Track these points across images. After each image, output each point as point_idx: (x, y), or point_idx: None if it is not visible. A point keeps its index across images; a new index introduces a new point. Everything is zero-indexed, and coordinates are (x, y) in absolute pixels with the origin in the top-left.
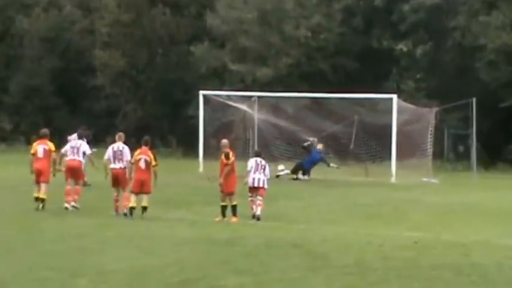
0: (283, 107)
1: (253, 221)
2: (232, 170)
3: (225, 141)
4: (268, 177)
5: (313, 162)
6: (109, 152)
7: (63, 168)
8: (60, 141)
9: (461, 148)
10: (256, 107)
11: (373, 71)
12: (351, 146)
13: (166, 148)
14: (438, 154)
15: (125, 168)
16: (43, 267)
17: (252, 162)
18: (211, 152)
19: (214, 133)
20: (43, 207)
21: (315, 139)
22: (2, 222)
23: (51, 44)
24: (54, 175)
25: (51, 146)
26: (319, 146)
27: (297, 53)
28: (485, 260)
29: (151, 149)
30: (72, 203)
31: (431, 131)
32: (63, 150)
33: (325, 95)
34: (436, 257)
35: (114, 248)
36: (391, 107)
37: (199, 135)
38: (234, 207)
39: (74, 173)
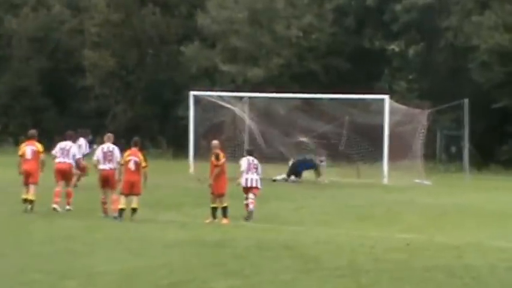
0: (274, 108)
1: (245, 222)
2: (222, 172)
3: (215, 142)
4: (261, 176)
5: (307, 168)
6: (98, 153)
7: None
8: (49, 142)
9: (453, 149)
10: (247, 107)
11: (365, 71)
12: (341, 147)
13: (156, 149)
14: (431, 155)
15: (114, 169)
16: (32, 269)
17: (244, 161)
18: (202, 153)
19: (205, 134)
20: (31, 208)
21: (306, 139)
22: None
23: (40, 44)
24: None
25: (39, 147)
26: (322, 158)
27: (288, 53)
28: (478, 262)
29: (141, 150)
30: (67, 206)
31: (423, 132)
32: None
33: (316, 95)
34: (429, 259)
35: (104, 250)
36: (383, 107)
37: (190, 136)
38: (224, 209)
39: (65, 175)
